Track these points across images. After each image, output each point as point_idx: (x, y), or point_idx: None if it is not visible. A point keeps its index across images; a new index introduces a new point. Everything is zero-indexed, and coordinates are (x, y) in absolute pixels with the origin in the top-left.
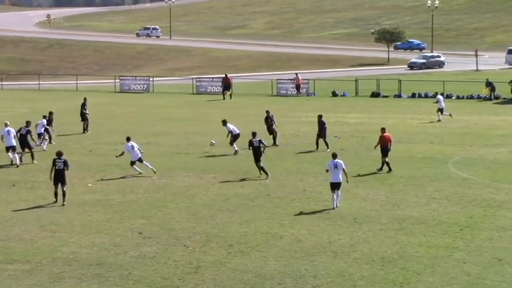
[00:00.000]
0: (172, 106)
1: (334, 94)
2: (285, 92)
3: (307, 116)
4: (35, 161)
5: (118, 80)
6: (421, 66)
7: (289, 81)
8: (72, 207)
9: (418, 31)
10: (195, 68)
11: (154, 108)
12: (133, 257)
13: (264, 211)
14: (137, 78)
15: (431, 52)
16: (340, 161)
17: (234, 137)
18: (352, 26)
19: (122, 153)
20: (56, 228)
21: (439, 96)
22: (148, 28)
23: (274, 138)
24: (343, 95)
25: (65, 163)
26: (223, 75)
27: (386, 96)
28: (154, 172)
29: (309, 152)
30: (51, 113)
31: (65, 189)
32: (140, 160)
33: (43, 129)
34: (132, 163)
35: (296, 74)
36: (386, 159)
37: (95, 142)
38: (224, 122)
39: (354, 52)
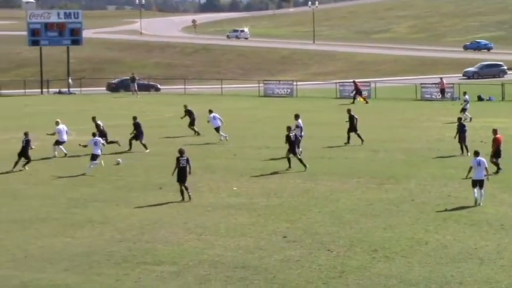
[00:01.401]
0: (316, 110)
1: (479, 98)
2: (429, 96)
3: (452, 120)
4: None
5: (262, 84)
6: (473, 75)
7: (433, 85)
8: (217, 210)
9: None
10: (338, 72)
11: (297, 112)
12: (277, 260)
13: (409, 216)
14: (281, 82)
15: None
16: (484, 160)
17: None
18: (498, 29)
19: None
20: (202, 231)
21: (467, 97)
22: (237, 30)
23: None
24: (489, 100)
25: (187, 161)
26: (352, 81)
27: None
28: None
29: (454, 156)
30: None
31: (186, 184)
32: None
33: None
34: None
35: (441, 78)
36: (498, 160)
37: (240, 146)
38: (210, 111)
39: (500, 56)
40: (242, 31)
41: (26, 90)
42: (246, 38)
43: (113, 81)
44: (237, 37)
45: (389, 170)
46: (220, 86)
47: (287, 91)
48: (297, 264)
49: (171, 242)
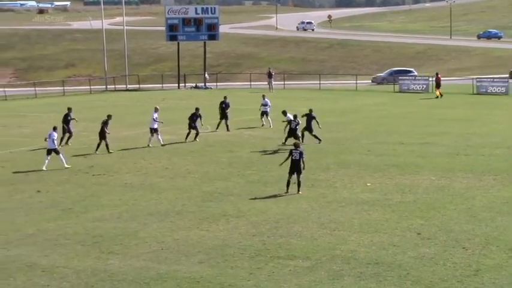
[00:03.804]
0: (451, 106)
1: None
2: None
3: None
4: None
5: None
6: (382, 81)
7: None
8: (351, 206)
9: None
10: (475, 68)
11: (432, 108)
12: (411, 257)
13: None
14: (416, 78)
15: None
16: None
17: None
18: None
19: (45, 139)
20: (335, 226)
21: None
22: (304, 22)
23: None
24: None
25: (301, 154)
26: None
27: None
28: (66, 167)
29: None
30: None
31: (300, 179)
32: (56, 152)
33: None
34: (48, 152)
35: None
36: None
37: (374, 142)
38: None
39: None
40: (309, 23)
41: (164, 85)
42: (312, 30)
43: None
44: (304, 29)
45: None
46: (355, 82)
47: (422, 87)
48: (431, 261)
49: (305, 236)
